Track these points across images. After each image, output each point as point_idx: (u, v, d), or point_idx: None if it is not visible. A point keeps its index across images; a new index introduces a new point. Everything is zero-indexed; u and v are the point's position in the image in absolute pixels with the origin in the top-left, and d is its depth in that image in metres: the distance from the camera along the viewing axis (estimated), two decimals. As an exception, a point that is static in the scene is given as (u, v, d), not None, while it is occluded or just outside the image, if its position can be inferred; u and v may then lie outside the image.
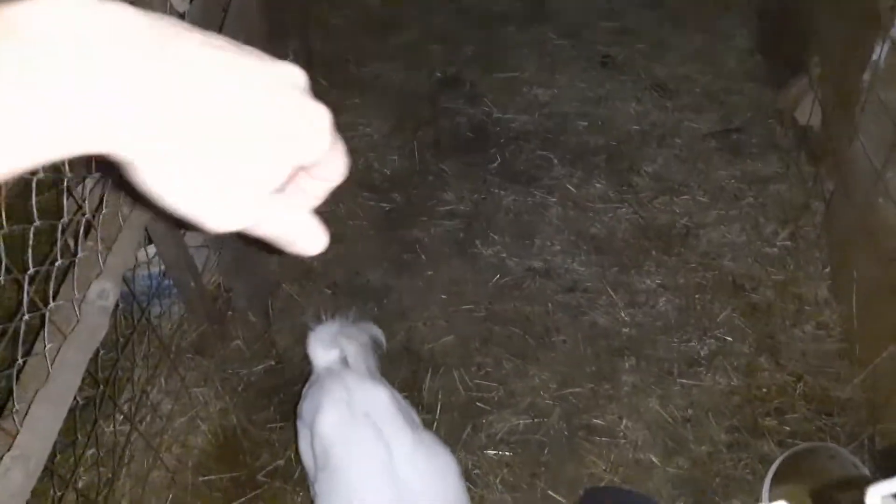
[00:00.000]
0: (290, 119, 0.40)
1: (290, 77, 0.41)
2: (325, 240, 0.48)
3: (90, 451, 1.90)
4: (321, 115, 0.41)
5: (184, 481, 2.08)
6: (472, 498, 2.11)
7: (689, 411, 2.27)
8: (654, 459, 2.18)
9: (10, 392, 1.35)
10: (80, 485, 1.86)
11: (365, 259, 2.76)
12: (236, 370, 2.37)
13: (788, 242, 2.65)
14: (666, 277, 2.58)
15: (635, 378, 2.35)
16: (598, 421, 2.26)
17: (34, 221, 1.38)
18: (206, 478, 2.13)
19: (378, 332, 1.95)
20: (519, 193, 2.90)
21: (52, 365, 1.41)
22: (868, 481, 1.64)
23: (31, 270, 1.39)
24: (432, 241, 2.80)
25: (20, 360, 1.40)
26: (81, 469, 1.76)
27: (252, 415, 2.29)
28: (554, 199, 2.86)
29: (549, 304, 2.54)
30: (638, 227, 2.75)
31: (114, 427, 1.83)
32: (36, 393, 1.38)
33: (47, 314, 1.46)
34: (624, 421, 2.26)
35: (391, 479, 1.47)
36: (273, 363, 2.41)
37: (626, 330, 2.46)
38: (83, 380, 1.53)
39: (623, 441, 2.22)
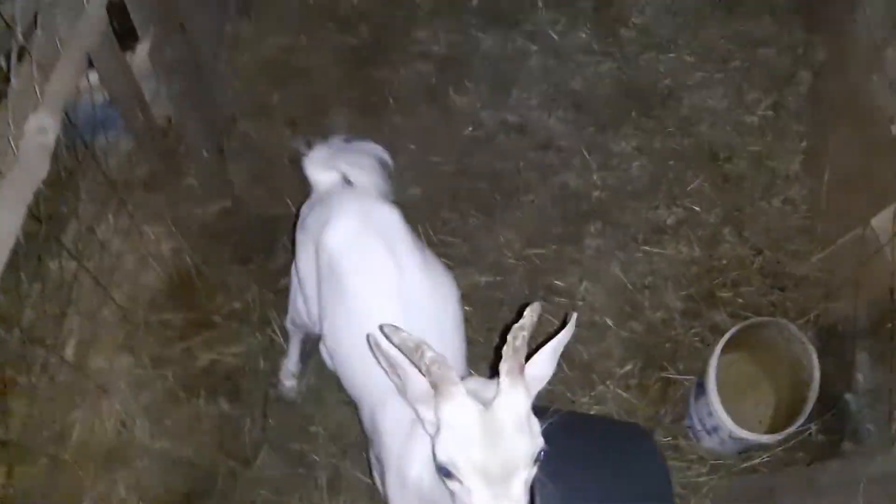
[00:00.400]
0: None
1: None
2: None
3: (35, 289, 1.81)
4: None
5: (136, 319, 2.03)
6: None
7: (649, 278, 2.28)
8: (609, 322, 2.21)
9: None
10: (25, 324, 1.79)
11: (328, 97, 2.58)
12: (190, 209, 2.26)
13: (770, 112, 2.57)
14: (642, 141, 2.50)
15: (600, 242, 2.33)
16: (559, 282, 2.26)
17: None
18: (160, 317, 2.09)
19: (381, 152, 1.83)
20: (498, 37, 2.70)
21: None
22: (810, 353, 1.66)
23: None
24: (402, 84, 2.62)
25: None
26: (27, 307, 1.68)
27: (207, 256, 2.22)
28: (535, 48, 2.67)
29: (521, 162, 2.45)
30: (620, 84, 2.61)
31: (60, 264, 1.73)
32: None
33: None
34: (584, 284, 2.27)
35: (400, 299, 1.43)
36: (228, 204, 2.31)
37: (596, 193, 2.41)
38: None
39: (581, 303, 2.23)
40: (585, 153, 2.47)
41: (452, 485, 1.03)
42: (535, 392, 1.08)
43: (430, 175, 2.42)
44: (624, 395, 2.11)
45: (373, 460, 1.57)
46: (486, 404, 1.02)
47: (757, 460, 2.01)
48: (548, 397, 2.08)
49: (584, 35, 2.71)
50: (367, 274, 1.47)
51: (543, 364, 1.12)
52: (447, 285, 1.58)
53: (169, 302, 2.11)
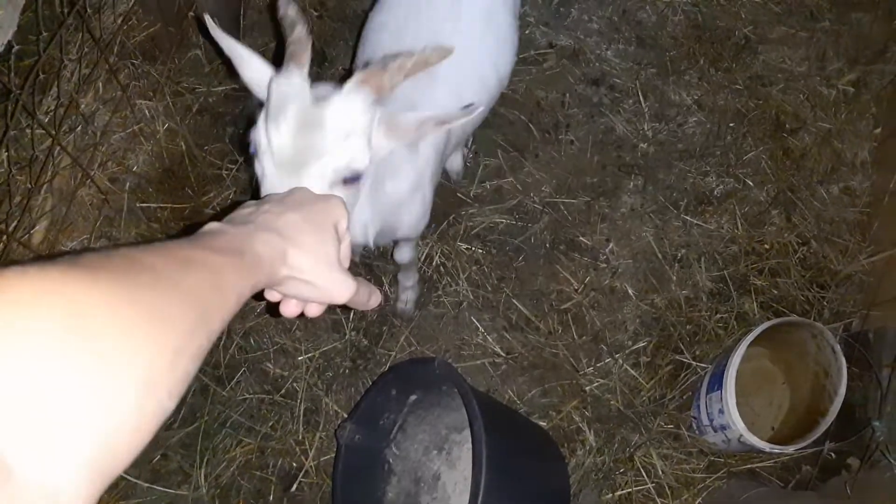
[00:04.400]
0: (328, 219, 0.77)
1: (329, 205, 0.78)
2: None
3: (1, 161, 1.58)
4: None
5: (118, 204, 1.82)
6: (434, 287, 1.96)
7: (682, 251, 2.08)
8: (629, 291, 2.03)
9: None
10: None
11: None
12: (192, 85, 2.00)
13: (850, 88, 2.29)
14: (705, 94, 2.23)
15: (636, 201, 2.11)
16: (585, 239, 2.06)
17: None
18: (144, 204, 1.87)
19: None
20: (567, -57, 2.36)
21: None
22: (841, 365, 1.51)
23: None
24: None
25: None
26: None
27: (204, 142, 1.98)
28: (607, -36, 2.34)
29: (568, 94, 2.19)
30: (693, 23, 2.30)
31: (31, 137, 1.50)
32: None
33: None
34: (611, 245, 2.07)
35: None
36: (236, 86, 2.04)
37: (643, 145, 2.16)
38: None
39: (604, 265, 2.05)
40: (640, 97, 2.20)
41: (257, 166, 0.97)
42: (391, 138, 1.01)
43: (465, 92, 2.15)
44: (631, 371, 1.96)
45: None
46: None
47: (759, 464, 1.89)
48: (551, 361, 1.93)
49: (664, -42, 2.37)
50: None
51: (416, 122, 1.02)
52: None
53: (156, 190, 1.89)
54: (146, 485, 1.61)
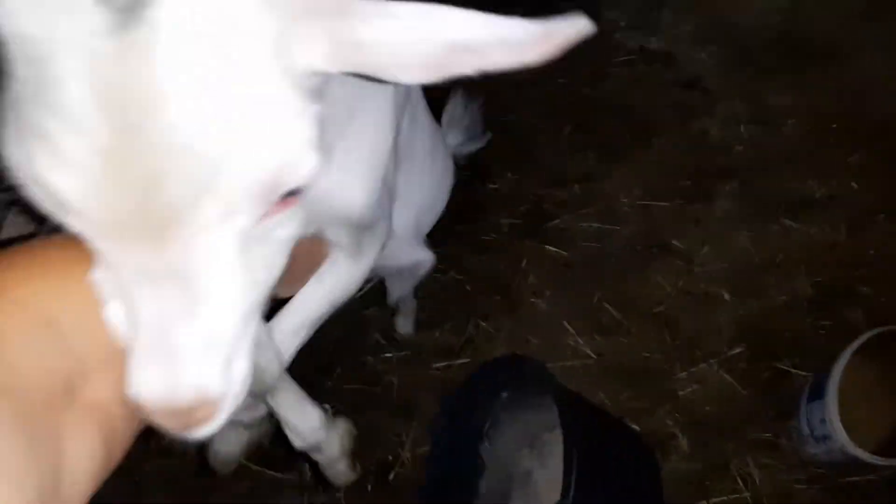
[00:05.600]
0: None
1: None
2: None
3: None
4: None
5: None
6: (523, 290, 1.99)
7: (780, 256, 2.03)
8: (725, 296, 2.00)
9: None
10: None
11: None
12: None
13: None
14: (804, 97, 2.17)
15: (732, 205, 2.08)
16: (677, 242, 2.04)
17: None
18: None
19: None
20: (660, -52, 2.36)
21: None
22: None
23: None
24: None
25: None
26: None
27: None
28: (701, -34, 2.33)
29: (660, 98, 2.18)
30: (791, 25, 2.25)
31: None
32: None
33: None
34: (705, 248, 2.04)
35: None
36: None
37: (739, 148, 2.13)
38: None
39: (698, 269, 2.02)
40: (735, 99, 2.17)
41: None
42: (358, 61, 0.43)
43: (555, 98, 2.18)
44: (728, 378, 1.92)
45: None
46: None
47: (862, 477, 1.81)
48: (643, 365, 1.92)
49: (760, -40, 2.34)
50: None
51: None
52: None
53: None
54: (255, 467, 1.71)
